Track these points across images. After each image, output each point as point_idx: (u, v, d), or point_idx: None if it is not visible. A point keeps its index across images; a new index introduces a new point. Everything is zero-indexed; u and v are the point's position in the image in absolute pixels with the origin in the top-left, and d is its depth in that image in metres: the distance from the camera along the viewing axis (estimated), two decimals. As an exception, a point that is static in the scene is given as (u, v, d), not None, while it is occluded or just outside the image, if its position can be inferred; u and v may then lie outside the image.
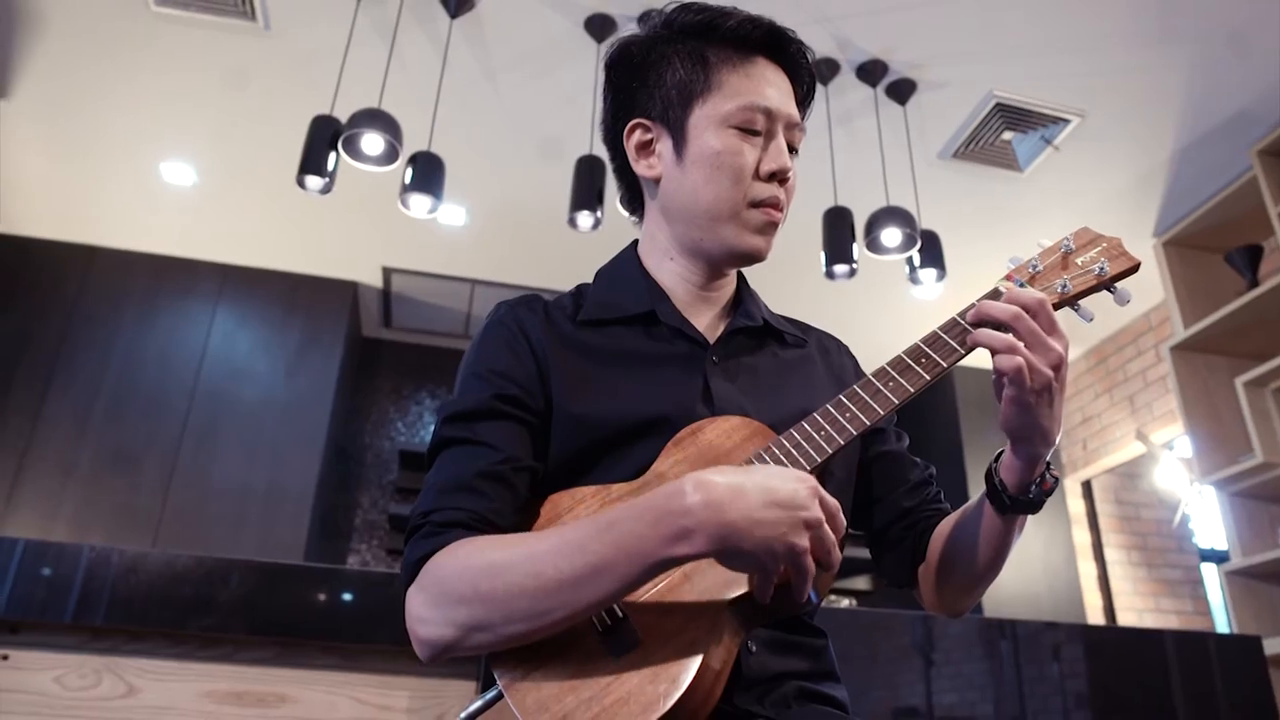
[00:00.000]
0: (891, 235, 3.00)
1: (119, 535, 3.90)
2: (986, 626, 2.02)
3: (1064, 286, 0.88)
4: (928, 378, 0.85)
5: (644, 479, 0.90)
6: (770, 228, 1.00)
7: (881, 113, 3.24)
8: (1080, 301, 0.90)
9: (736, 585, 0.80)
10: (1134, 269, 0.90)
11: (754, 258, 1.02)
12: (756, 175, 0.99)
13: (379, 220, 4.11)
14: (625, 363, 0.99)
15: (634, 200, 1.12)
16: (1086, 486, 5.02)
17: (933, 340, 0.87)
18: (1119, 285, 0.90)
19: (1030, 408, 0.83)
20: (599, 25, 3.02)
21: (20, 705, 1.52)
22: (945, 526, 1.01)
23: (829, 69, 3.07)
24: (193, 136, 3.71)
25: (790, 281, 4.12)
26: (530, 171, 3.75)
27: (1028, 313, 0.83)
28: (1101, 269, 0.88)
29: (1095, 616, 4.67)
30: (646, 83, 1.03)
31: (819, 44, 2.98)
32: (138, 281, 4.44)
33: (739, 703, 0.85)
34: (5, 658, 1.54)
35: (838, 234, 3.00)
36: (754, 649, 0.89)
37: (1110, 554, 4.88)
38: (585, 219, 2.87)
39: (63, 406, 4.13)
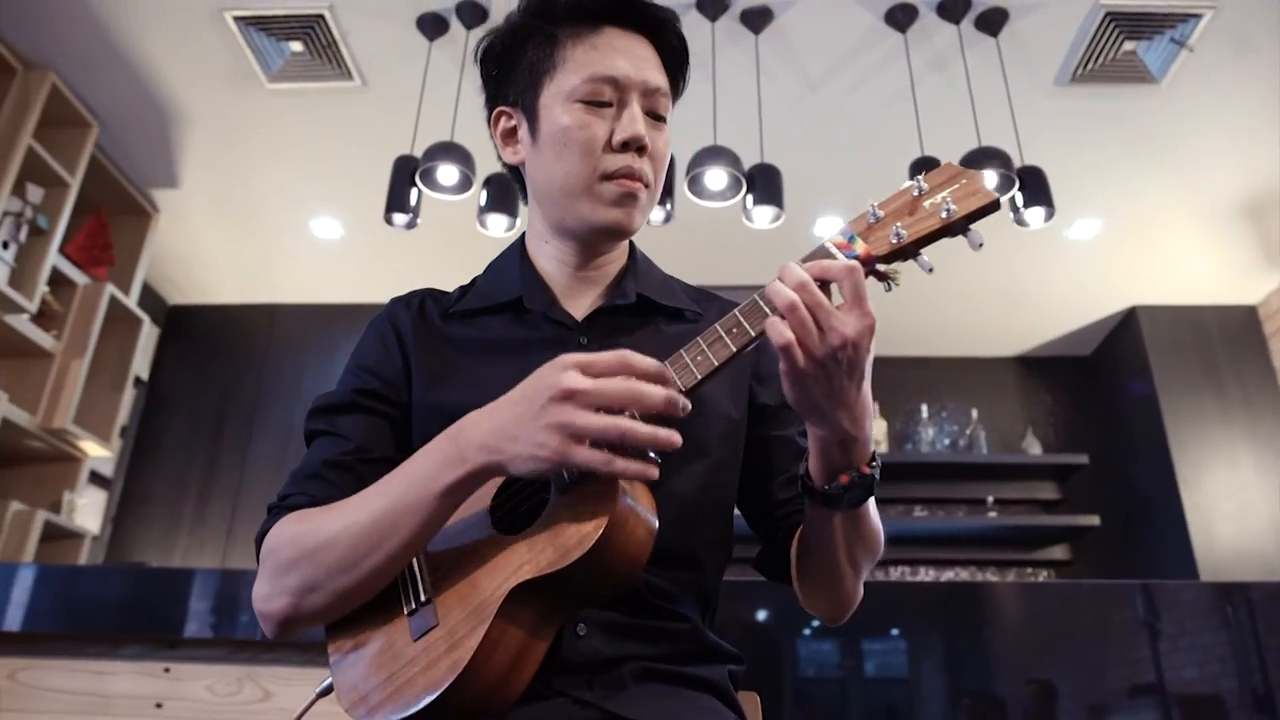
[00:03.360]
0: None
1: (319, 560, 4.31)
2: (1216, 592, 1.85)
3: (897, 236, 0.79)
4: (734, 349, 0.80)
5: None
6: (628, 199, 0.98)
7: (973, 50, 3.00)
8: (922, 250, 0.81)
9: (527, 568, 0.80)
10: (990, 207, 0.79)
11: (616, 231, 1.00)
12: (609, 147, 0.97)
13: (504, 246, 4.30)
14: (490, 351, 1.01)
15: (523, 191, 1.12)
16: (1319, 420, 4.38)
17: (749, 308, 0.82)
18: (973, 227, 0.80)
19: (803, 384, 0.78)
20: (661, 18, 3.01)
21: (181, 710, 1.74)
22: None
23: (905, 15, 2.88)
24: (331, 191, 4.04)
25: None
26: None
27: (832, 282, 0.77)
28: (948, 211, 0.79)
29: (1347, 571, 4.05)
30: (507, 70, 1.04)
31: (890, -10, 2.80)
32: (313, 331, 4.90)
33: (559, 685, 0.84)
34: (167, 670, 1.78)
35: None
36: (583, 632, 0.87)
37: (1359, 497, 4.22)
38: (656, 213, 2.86)
39: (264, 450, 4.64)
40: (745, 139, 3.09)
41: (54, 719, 1.78)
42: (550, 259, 1.06)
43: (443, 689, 0.78)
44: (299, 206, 4.15)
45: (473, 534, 0.87)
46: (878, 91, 3.29)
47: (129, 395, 3.93)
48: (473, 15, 3.01)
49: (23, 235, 3.23)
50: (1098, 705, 1.74)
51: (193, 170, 3.91)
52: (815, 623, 1.74)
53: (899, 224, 0.80)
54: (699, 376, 0.81)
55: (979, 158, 2.78)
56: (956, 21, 2.90)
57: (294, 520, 0.89)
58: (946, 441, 5.02)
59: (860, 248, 0.80)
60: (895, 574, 4.70)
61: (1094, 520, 4.45)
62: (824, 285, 0.78)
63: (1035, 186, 2.81)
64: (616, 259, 1.08)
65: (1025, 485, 4.78)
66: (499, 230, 2.99)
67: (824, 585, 0.97)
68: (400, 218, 2.86)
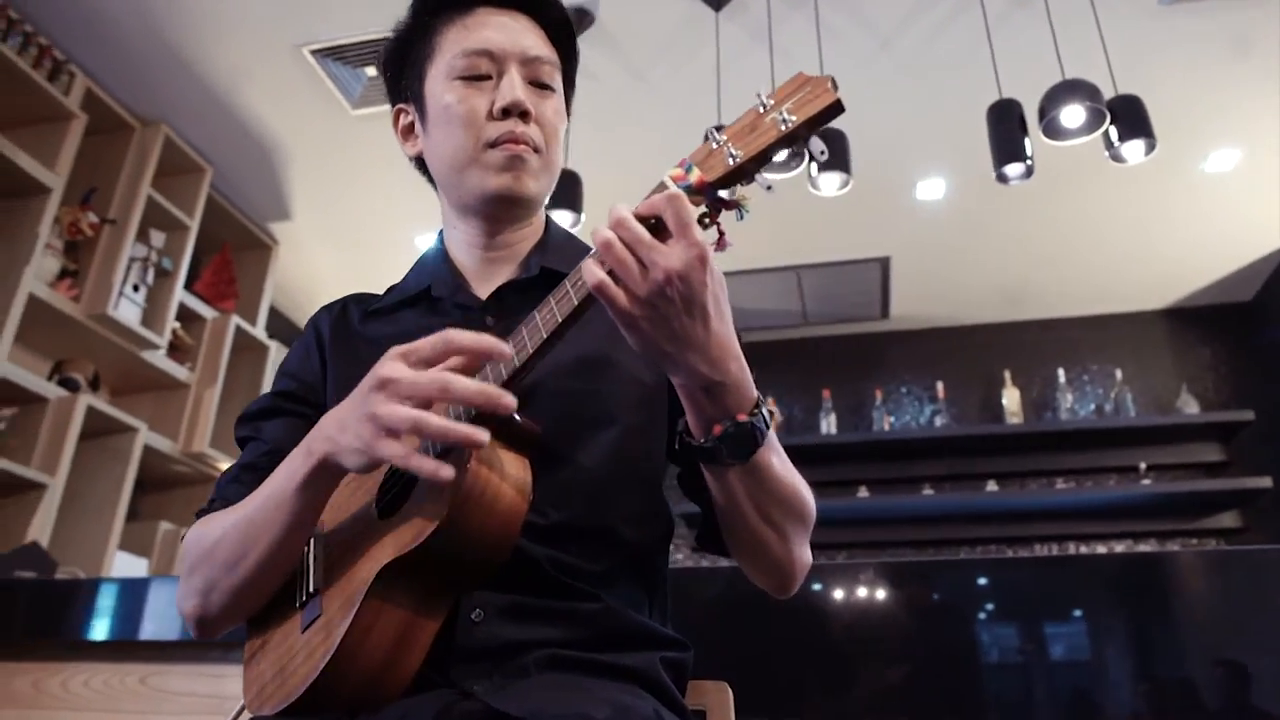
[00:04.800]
0: (1072, 114, 2.53)
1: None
2: None
3: (732, 157, 0.72)
4: (576, 302, 0.75)
5: None
6: (515, 162, 0.96)
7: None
8: (763, 169, 0.73)
9: (391, 549, 0.78)
10: (831, 109, 0.71)
11: (507, 197, 0.98)
12: (491, 116, 0.97)
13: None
14: (398, 345, 1.00)
15: (431, 184, 1.12)
16: None
17: (591, 258, 0.76)
18: (815, 136, 0.72)
19: (636, 327, 0.73)
20: (716, -6, 2.94)
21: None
22: None
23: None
24: (426, 206, 4.10)
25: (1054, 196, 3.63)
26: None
27: (656, 217, 0.72)
28: (786, 122, 0.71)
29: None
30: (398, 70, 1.07)
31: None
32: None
33: (456, 675, 0.80)
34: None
35: (1003, 130, 2.60)
36: (478, 617, 0.82)
37: None
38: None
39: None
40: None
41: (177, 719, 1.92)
42: (459, 244, 1.06)
43: (315, 676, 0.77)
44: (402, 225, 4.32)
45: (359, 523, 0.87)
46: (956, 39, 3.09)
47: (263, 417, 4.21)
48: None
49: (150, 278, 3.53)
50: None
51: (301, 201, 4.15)
52: (990, 605, 1.62)
53: (734, 145, 0.73)
54: (545, 335, 0.77)
55: (1062, 92, 2.55)
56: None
57: (200, 524, 0.92)
58: (1090, 407, 4.65)
59: (695, 175, 0.73)
60: (1041, 552, 4.38)
61: (1265, 482, 3.99)
62: (661, 223, 0.73)
63: (1131, 118, 2.54)
64: (528, 236, 1.05)
65: (1183, 448, 4.35)
66: (564, 224, 3.00)
67: (750, 553, 0.90)
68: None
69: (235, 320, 3.97)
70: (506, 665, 0.81)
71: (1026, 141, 2.60)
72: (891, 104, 3.43)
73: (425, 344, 0.75)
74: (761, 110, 0.74)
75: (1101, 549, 4.32)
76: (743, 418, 0.78)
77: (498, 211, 1.01)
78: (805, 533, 0.91)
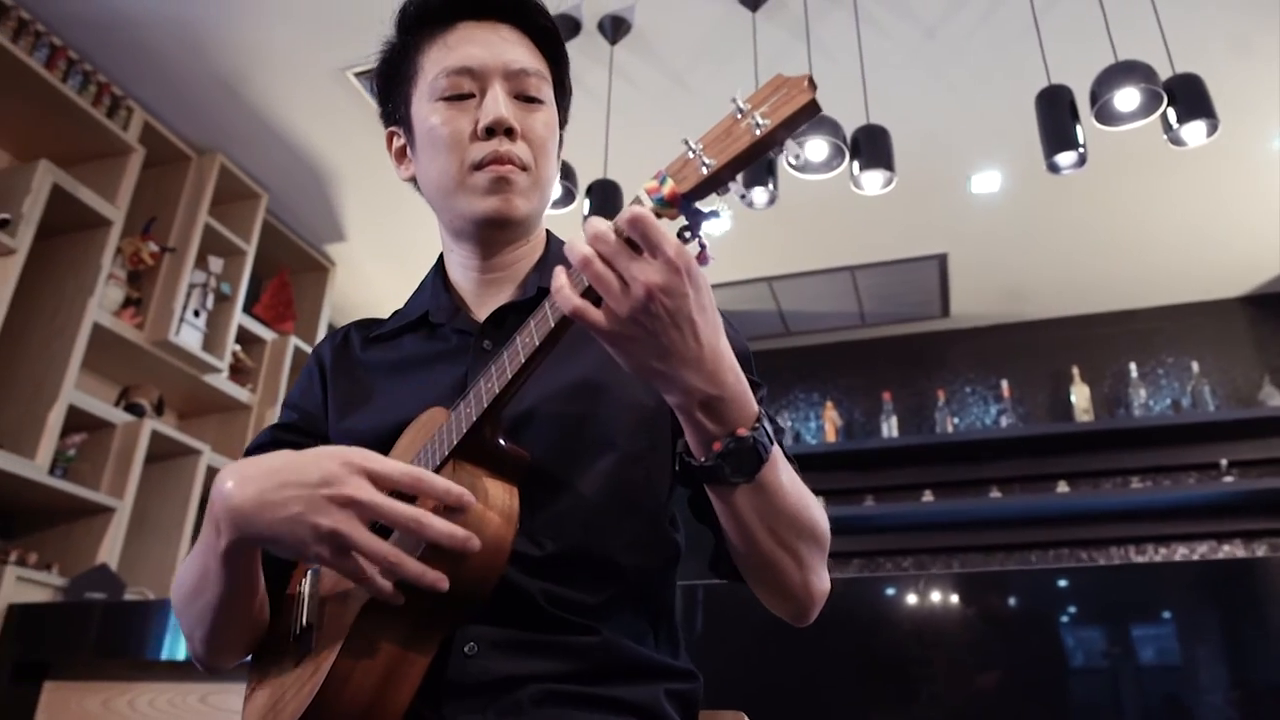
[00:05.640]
0: (1126, 97, 2.41)
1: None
2: None
3: (706, 166, 0.69)
4: (553, 323, 0.72)
5: None
6: (501, 184, 0.93)
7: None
8: (738, 176, 0.69)
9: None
10: (807, 109, 0.67)
11: (497, 220, 0.95)
12: (475, 137, 0.94)
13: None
14: (398, 371, 1.00)
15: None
16: None
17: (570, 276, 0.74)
18: (790, 140, 0.68)
19: (625, 348, 0.70)
20: (750, -7, 2.90)
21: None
22: None
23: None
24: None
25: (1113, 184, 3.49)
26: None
27: (620, 235, 0.69)
28: (759, 126, 0.68)
29: None
30: (386, 93, 1.05)
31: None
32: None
33: (449, 711, 0.78)
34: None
35: (1053, 118, 2.49)
36: (471, 650, 0.80)
37: None
38: (759, 195, 2.74)
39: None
40: (858, 105, 2.92)
41: (236, 736, 1.96)
42: (457, 267, 1.03)
43: (303, 711, 0.76)
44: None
45: None
46: (1003, 24, 2.99)
47: (323, 435, 4.29)
48: (569, 33, 3.05)
49: (209, 303, 3.62)
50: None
51: (355, 222, 4.23)
52: (1073, 608, 1.56)
53: (708, 153, 0.69)
54: (523, 360, 0.75)
55: (1115, 75, 2.43)
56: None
57: (180, 568, 0.91)
58: (1166, 401, 4.45)
59: (668, 187, 0.70)
60: (1117, 555, 4.20)
61: (1359, 477, 3.77)
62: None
63: (1190, 98, 2.41)
64: (525, 255, 1.02)
65: (1268, 443, 4.12)
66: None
67: (765, 579, 0.85)
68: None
69: (294, 341, 4.05)
70: (500, 700, 0.79)
71: (1079, 129, 2.49)
72: (939, 96, 3.33)
73: (396, 472, 0.73)
74: (738, 116, 0.70)
75: (1183, 550, 4.13)
76: (743, 432, 0.74)
77: (490, 234, 0.98)
78: (822, 556, 0.86)
